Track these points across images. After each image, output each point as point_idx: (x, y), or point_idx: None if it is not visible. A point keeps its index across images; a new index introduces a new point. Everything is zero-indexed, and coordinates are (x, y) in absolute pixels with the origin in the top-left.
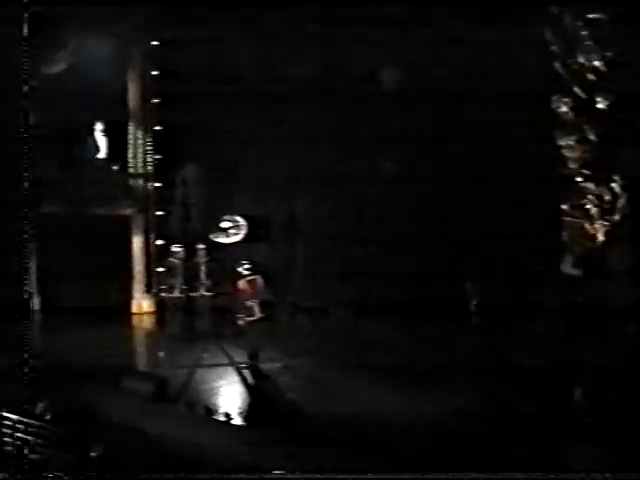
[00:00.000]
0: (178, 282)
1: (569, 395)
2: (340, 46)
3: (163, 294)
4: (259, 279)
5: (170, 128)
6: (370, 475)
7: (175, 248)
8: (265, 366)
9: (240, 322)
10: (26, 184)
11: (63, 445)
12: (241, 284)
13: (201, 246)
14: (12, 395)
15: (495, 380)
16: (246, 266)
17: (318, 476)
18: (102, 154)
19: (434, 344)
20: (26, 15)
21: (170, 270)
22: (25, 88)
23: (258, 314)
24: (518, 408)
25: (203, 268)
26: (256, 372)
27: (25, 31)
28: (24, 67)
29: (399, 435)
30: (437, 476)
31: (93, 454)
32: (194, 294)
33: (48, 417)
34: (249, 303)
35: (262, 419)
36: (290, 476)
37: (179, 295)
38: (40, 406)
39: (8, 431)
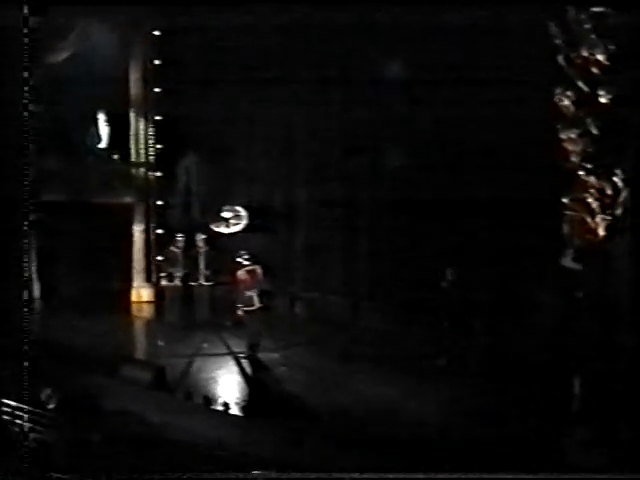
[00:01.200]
0: (178, 271)
1: (569, 389)
2: (343, 33)
3: (163, 283)
4: (258, 269)
5: (171, 117)
6: (368, 475)
7: (176, 237)
8: (263, 356)
9: (239, 312)
10: (27, 173)
11: (63, 431)
12: (240, 274)
13: (201, 236)
14: (12, 382)
15: (493, 374)
16: (245, 256)
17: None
18: (103, 143)
19: (431, 335)
20: (26, 4)
21: (170, 259)
22: (25, 76)
23: (257, 304)
24: (518, 403)
25: (203, 258)
26: (255, 362)
27: (24, 20)
28: (24, 56)
29: (397, 428)
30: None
31: (91, 441)
32: (193, 283)
33: (52, 405)
34: (248, 293)
35: (259, 409)
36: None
37: (178, 284)
38: (45, 393)
39: (8, 418)
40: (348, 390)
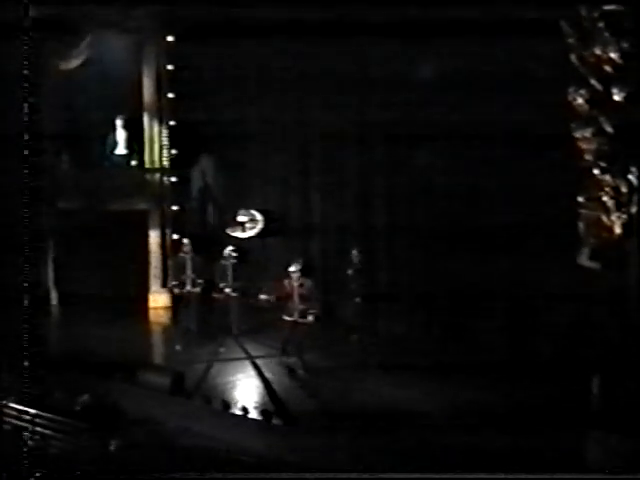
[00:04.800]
0: (187, 277)
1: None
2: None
3: (176, 290)
4: (307, 280)
5: (185, 123)
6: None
7: (189, 243)
8: (283, 360)
9: (286, 322)
10: (34, 178)
11: (82, 438)
12: (289, 284)
13: (218, 241)
14: (27, 388)
15: (518, 376)
16: (294, 267)
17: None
18: (118, 149)
19: (462, 340)
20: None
21: (184, 265)
22: (27, 83)
23: (305, 314)
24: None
25: (230, 267)
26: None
27: (26, 28)
28: (26, 63)
29: (422, 433)
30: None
31: (111, 447)
32: (218, 295)
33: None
34: (294, 304)
35: (282, 414)
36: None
37: (191, 290)
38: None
39: (26, 425)
40: (369, 396)
